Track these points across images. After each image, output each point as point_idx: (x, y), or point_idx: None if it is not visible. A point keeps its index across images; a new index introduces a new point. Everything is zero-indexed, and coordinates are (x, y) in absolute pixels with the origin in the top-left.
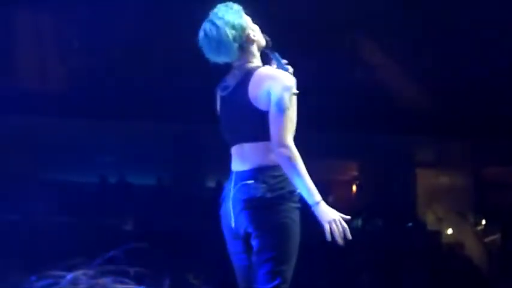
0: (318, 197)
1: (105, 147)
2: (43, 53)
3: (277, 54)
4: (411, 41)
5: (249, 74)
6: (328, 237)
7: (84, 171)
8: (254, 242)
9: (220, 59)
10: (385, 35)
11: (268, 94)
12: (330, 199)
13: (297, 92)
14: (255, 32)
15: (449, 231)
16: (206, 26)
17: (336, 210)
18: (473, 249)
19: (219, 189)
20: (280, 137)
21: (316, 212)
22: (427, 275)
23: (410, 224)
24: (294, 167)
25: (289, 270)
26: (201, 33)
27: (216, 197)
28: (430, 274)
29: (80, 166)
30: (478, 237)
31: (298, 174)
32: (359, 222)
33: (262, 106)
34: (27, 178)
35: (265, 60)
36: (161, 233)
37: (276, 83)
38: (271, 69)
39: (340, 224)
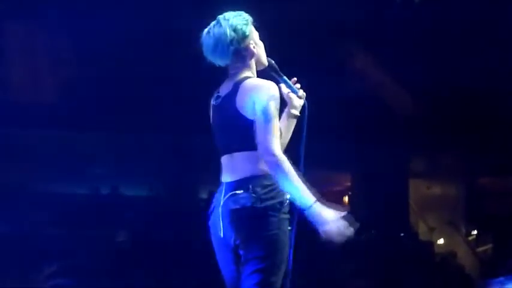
0: (310, 200)
1: (97, 159)
2: (34, 65)
3: (285, 78)
4: (405, 52)
5: (238, 83)
6: (326, 239)
7: (76, 182)
8: (242, 253)
9: (215, 59)
10: (380, 46)
11: (253, 103)
12: None
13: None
14: (257, 46)
15: (441, 241)
16: (211, 24)
17: None
18: (465, 259)
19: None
20: (268, 145)
21: (310, 217)
22: (419, 285)
23: (402, 234)
24: (282, 172)
25: (278, 281)
26: (205, 30)
27: (207, 207)
28: (422, 284)
29: (72, 177)
30: (470, 247)
31: (288, 179)
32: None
33: (249, 115)
34: (19, 189)
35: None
36: (154, 244)
37: (261, 92)
38: (257, 79)
39: (339, 224)
